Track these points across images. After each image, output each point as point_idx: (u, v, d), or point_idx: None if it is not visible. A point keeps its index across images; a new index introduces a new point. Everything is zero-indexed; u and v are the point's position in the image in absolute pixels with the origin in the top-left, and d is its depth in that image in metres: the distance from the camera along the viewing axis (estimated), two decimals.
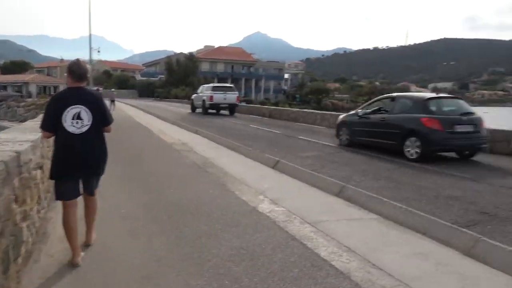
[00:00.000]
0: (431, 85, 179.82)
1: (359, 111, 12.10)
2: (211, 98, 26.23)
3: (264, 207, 5.93)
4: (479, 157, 10.54)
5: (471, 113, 10.28)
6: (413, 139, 9.86)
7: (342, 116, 13.43)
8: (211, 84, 29.69)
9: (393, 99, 11.26)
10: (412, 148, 9.89)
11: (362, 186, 7.02)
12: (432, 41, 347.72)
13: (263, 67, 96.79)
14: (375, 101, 12.32)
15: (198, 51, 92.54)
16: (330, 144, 12.70)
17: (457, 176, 8.15)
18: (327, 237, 4.74)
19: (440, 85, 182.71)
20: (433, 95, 11.18)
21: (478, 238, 4.27)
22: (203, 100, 26.98)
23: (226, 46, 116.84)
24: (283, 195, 6.64)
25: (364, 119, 11.58)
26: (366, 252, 4.31)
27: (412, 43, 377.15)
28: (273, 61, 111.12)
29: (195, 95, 30.06)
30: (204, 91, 27.58)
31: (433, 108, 10.03)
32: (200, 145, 12.51)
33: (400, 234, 4.92)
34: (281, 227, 5.04)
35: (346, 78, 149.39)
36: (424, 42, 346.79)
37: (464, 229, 4.72)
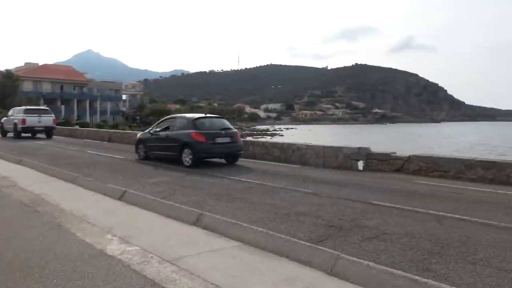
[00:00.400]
0: (263, 106, 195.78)
1: (152, 129, 14.22)
2: (23, 121, 25.48)
3: (114, 248, 5.15)
4: (321, 172, 11.50)
5: (229, 129, 13.24)
6: (187, 149, 12.44)
7: (139, 134, 15.72)
8: (23, 107, 28.66)
9: (174, 118, 13.99)
10: (187, 157, 12.43)
11: (217, 210, 6.82)
12: (261, 66, 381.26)
13: (97, 88, 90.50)
14: (163, 121, 14.54)
15: (18, 69, 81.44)
16: (179, 167, 12.30)
17: (301, 192, 8.67)
18: (191, 275, 4.30)
19: (271, 106, 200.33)
20: (201, 115, 14.05)
21: (337, 255, 4.41)
22: (15, 124, 25.99)
23: (53, 64, 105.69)
24: (135, 231, 5.93)
25: (155, 135, 13.82)
26: (235, 286, 4.03)
27: (243, 67, 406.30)
28: (109, 82, 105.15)
29: (4, 118, 28.65)
30: (16, 114, 26.64)
31: (200, 125, 12.76)
32: (27, 179, 10.63)
33: (265, 260, 4.79)
34: (137, 271, 4.39)
35: (185, 99, 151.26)
36: (254, 67, 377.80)
37: (322, 247, 4.87)
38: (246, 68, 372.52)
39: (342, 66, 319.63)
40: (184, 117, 13.75)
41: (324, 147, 13.12)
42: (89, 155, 16.31)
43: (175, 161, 13.01)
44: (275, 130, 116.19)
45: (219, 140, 12.64)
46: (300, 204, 7.52)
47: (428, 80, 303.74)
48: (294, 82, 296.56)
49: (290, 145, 14.09)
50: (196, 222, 6.17)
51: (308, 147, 13.51)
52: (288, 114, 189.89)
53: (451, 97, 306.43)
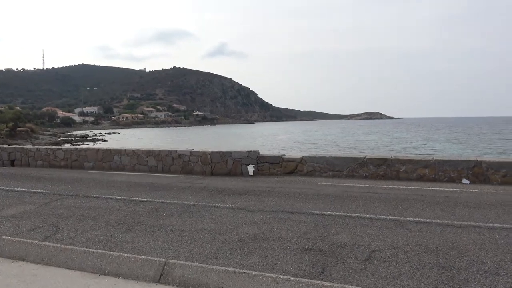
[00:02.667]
0: (77, 110, 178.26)
1: None
2: None
3: None
4: (215, 181, 10.30)
5: None
6: None
7: None
8: None
9: None
10: None
11: (144, 248, 5.14)
12: (71, 66, 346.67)
13: None
14: None
15: None
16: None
17: (224, 208, 7.43)
18: None
19: (86, 109, 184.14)
20: None
21: None
22: None
23: None
24: None
25: None
26: None
27: (50, 67, 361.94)
28: None
29: None
30: None
31: None
32: None
33: None
34: None
35: None
36: (64, 67, 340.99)
37: (347, 286, 3.91)
38: (53, 68, 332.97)
39: (161, 68, 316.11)
40: None
41: (211, 153, 11.94)
42: None
43: None
44: (95, 135, 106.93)
45: None
46: (243, 225, 6.34)
47: (241, 84, 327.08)
48: (111, 84, 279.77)
49: (169, 152, 12.40)
50: (161, 277, 4.32)
51: (193, 153, 12.11)
52: (108, 118, 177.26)
53: (261, 100, 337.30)
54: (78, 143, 73.79)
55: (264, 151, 12.57)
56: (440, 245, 5.22)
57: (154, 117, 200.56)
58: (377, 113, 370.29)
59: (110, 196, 8.81)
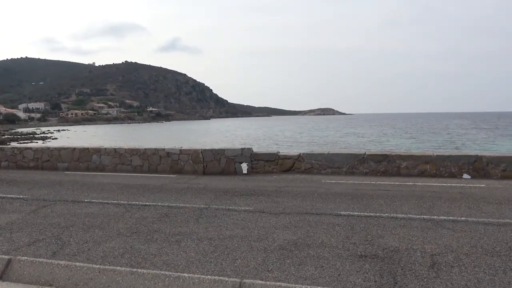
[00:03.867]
0: (22, 106, 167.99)
1: None
2: None
3: None
4: (210, 181, 9.68)
5: None
6: None
7: None
8: None
9: None
10: None
11: (180, 262, 4.56)
12: (14, 59, 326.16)
13: None
14: None
15: None
16: None
17: (241, 211, 6.88)
18: None
19: (32, 105, 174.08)
20: None
21: None
22: None
23: None
24: None
25: None
26: None
27: None
28: None
29: None
30: None
31: None
32: None
33: None
34: None
35: None
36: (5, 60, 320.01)
37: None
38: None
39: (111, 63, 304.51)
40: None
41: (204, 151, 11.24)
42: None
43: None
44: (44, 133, 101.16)
45: None
46: (274, 230, 5.85)
47: (195, 80, 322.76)
48: (57, 79, 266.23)
49: (156, 151, 11.55)
50: None
51: (183, 151, 11.35)
52: (55, 114, 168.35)
53: (216, 96, 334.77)
54: (25, 141, 69.41)
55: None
56: (496, 246, 4.99)
57: (106, 114, 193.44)
58: (330, 109, 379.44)
59: (105, 201, 7.95)
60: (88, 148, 12.16)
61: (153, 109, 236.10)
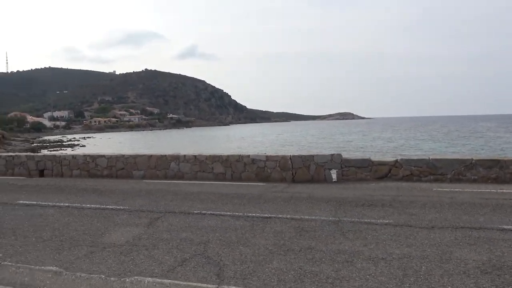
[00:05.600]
0: (47, 114, 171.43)
1: None
2: None
3: None
4: (305, 188, 8.97)
5: None
6: None
7: None
8: None
9: None
10: None
11: None
12: (37, 69, 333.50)
13: None
14: None
15: None
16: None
17: (382, 224, 6.15)
18: None
19: (57, 113, 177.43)
20: None
21: None
22: None
23: None
24: None
25: None
26: None
27: (15, 70, 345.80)
28: None
29: None
30: None
31: None
32: None
33: None
34: None
35: None
36: (29, 70, 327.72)
37: None
38: (18, 71, 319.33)
39: (132, 71, 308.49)
40: None
41: (293, 157, 10.57)
42: None
43: None
44: (70, 140, 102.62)
45: None
46: (447, 248, 5.14)
47: (214, 86, 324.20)
48: (79, 87, 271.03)
49: (240, 157, 10.93)
50: None
51: (269, 158, 10.71)
52: (79, 122, 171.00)
53: (234, 101, 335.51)
54: (55, 148, 70.36)
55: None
56: None
57: (128, 121, 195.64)
58: (349, 113, 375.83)
59: (217, 212, 7.33)
60: (165, 155, 11.62)
61: (173, 115, 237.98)
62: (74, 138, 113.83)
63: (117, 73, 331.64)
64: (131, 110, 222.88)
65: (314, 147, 55.61)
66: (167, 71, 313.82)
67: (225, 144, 68.49)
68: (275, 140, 78.46)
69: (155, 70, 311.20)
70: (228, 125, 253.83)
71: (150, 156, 11.76)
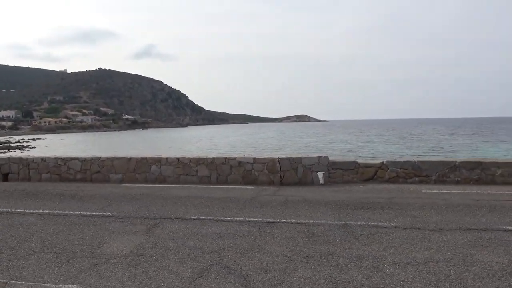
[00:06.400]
0: None
1: None
2: None
3: None
4: (296, 191, 8.86)
5: None
6: None
7: None
8: None
9: None
10: None
11: None
12: None
13: None
14: None
15: None
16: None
17: (390, 228, 6.13)
18: None
19: (2, 113, 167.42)
20: None
21: None
22: None
23: None
24: None
25: None
26: None
27: None
28: None
29: None
30: None
31: None
32: None
33: None
34: None
35: None
36: None
37: None
38: None
39: (85, 70, 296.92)
40: None
41: (281, 160, 10.40)
42: None
43: None
44: (19, 142, 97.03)
45: None
46: (463, 250, 5.16)
47: (171, 87, 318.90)
48: (27, 86, 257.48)
49: (226, 160, 10.61)
50: None
51: (257, 160, 10.47)
52: (28, 122, 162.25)
53: (192, 103, 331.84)
54: (2, 150, 66.22)
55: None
56: None
57: (81, 122, 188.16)
58: (306, 116, 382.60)
59: (217, 218, 7.01)
60: (146, 158, 11.07)
61: (129, 116, 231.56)
62: (23, 139, 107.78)
63: (68, 71, 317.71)
64: (84, 111, 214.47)
65: (276, 149, 55.89)
66: (123, 71, 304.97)
67: (186, 146, 67.47)
68: (235, 142, 78.17)
69: (109, 70, 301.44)
70: (186, 126, 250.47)
71: (130, 159, 11.16)
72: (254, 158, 10.54)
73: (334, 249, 5.30)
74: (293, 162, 10.43)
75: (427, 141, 64.83)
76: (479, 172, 9.88)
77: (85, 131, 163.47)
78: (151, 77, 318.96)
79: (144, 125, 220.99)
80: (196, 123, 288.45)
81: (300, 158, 10.50)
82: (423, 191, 9.18)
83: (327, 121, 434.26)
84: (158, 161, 10.96)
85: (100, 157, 11.39)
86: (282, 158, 10.47)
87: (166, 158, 10.96)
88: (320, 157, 10.58)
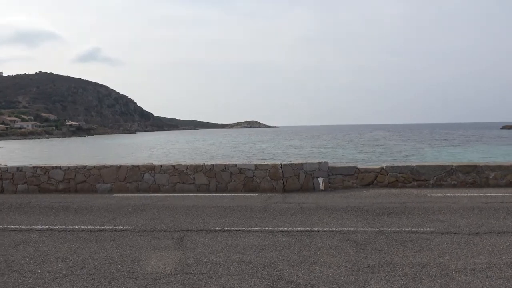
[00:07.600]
0: None
1: None
2: None
3: None
4: (301, 198, 8.71)
5: None
6: None
7: None
8: None
9: None
10: None
11: None
12: None
13: None
14: None
15: None
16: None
17: (425, 233, 6.11)
18: None
19: None
20: None
21: None
22: None
23: None
24: None
25: None
26: None
27: None
28: None
29: None
30: None
31: None
32: None
33: None
34: None
35: None
36: None
37: None
38: None
39: (23, 73, 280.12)
40: None
41: (284, 166, 10.16)
42: None
43: None
44: None
45: None
46: None
47: (118, 92, 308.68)
48: None
49: (226, 167, 10.20)
50: None
51: (258, 167, 10.16)
52: None
53: (140, 108, 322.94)
54: None
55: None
56: None
57: (20, 128, 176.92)
58: (256, 121, 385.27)
59: (244, 228, 6.65)
60: (138, 166, 10.37)
61: (73, 122, 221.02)
62: None
63: (4, 74, 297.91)
64: (23, 116, 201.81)
65: (231, 156, 55.47)
66: (66, 75, 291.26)
67: (139, 153, 65.20)
68: (188, 149, 76.69)
69: (51, 73, 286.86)
70: (135, 132, 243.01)
71: (119, 167, 10.41)
72: (255, 165, 10.22)
73: (390, 257, 5.15)
74: (295, 168, 10.24)
75: (380, 146, 67.40)
76: (474, 176, 10.25)
77: (25, 138, 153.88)
78: (97, 81, 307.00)
79: (89, 132, 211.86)
80: (145, 129, 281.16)
81: (302, 164, 10.34)
82: (428, 195, 9.35)
83: (277, 127, 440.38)
84: (151, 169, 10.32)
85: (86, 166, 10.54)
86: (284, 164, 10.24)
87: (161, 166, 10.35)
88: (320, 162, 10.48)
